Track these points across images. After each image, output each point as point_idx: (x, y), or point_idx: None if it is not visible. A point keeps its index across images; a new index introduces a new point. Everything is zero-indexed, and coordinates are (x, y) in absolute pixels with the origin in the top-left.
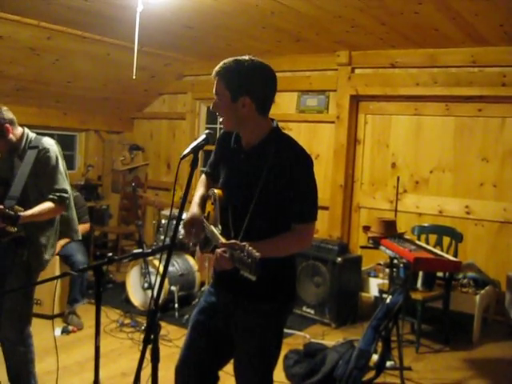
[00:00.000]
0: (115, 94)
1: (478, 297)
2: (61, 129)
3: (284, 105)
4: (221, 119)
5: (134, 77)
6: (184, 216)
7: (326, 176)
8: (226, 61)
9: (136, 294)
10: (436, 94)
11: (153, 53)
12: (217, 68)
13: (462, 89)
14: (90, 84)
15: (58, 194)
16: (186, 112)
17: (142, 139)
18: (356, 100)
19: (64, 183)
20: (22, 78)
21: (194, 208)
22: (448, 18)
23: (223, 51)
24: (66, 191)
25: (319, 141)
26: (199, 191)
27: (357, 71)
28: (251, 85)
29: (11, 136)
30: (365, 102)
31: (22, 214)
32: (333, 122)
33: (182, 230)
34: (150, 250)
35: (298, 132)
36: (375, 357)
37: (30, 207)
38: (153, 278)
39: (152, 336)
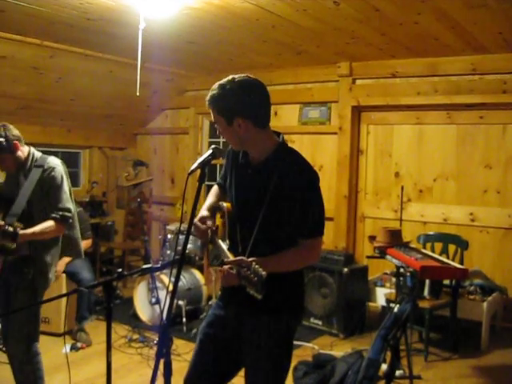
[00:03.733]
0: (118, 111)
1: (485, 304)
2: (65, 146)
3: (286, 117)
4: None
5: (137, 94)
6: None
7: (330, 187)
8: (213, 87)
9: (144, 310)
10: (437, 103)
11: (154, 69)
12: (207, 97)
13: (463, 97)
14: (93, 101)
15: (60, 212)
16: (189, 127)
17: (146, 155)
18: (358, 110)
19: (68, 203)
20: (25, 96)
21: (203, 211)
22: (447, 27)
23: (225, 65)
24: (69, 210)
25: (322, 152)
26: (209, 200)
27: (358, 82)
28: (238, 105)
29: (19, 153)
30: (366, 112)
31: (22, 231)
32: (335, 133)
33: (189, 245)
34: (159, 265)
35: (300, 144)
36: (384, 366)
37: (35, 226)
38: (160, 293)
39: (164, 350)
